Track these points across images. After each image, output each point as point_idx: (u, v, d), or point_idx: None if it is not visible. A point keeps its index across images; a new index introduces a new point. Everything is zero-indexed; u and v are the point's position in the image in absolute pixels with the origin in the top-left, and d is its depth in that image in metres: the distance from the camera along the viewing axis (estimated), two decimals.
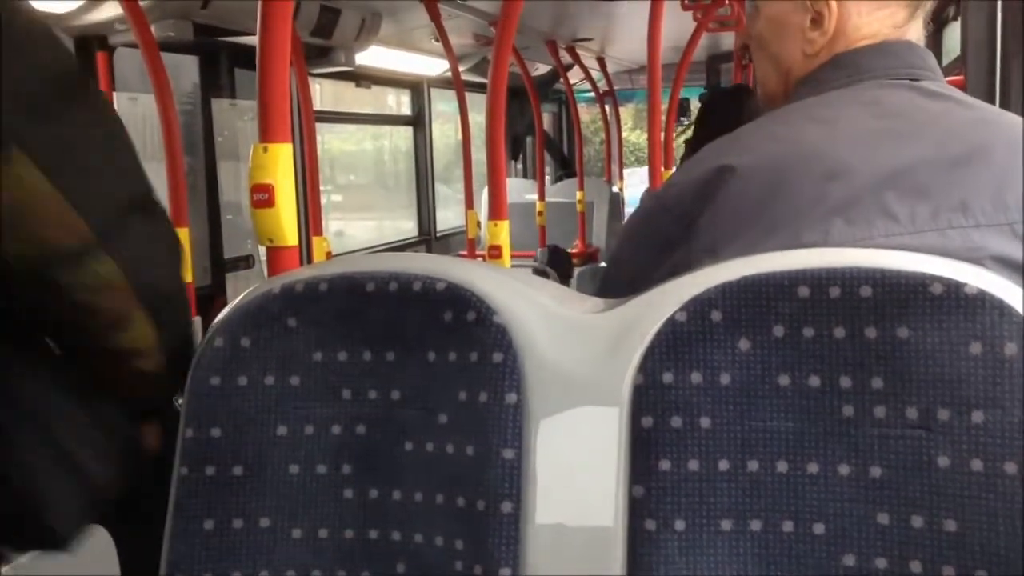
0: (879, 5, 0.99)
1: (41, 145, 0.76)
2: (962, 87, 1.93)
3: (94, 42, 2.58)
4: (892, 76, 0.97)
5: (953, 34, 2.24)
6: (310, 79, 2.82)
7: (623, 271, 1.02)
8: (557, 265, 4.05)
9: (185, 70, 2.99)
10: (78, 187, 0.78)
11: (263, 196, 1.06)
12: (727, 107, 2.70)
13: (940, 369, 0.67)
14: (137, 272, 0.83)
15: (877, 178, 0.86)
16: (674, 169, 2.54)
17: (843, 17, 0.99)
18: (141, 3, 1.93)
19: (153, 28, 2.06)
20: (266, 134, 1.06)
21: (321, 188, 3.27)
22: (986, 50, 1.95)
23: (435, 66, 4.16)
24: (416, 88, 4.68)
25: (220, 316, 0.84)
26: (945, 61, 2.38)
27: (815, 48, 1.01)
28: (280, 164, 1.06)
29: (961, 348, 0.66)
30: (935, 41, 1.00)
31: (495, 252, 1.71)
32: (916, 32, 1.01)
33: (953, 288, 0.67)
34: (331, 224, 4.36)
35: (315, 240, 2.90)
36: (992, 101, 1.92)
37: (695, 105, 4.99)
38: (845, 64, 0.99)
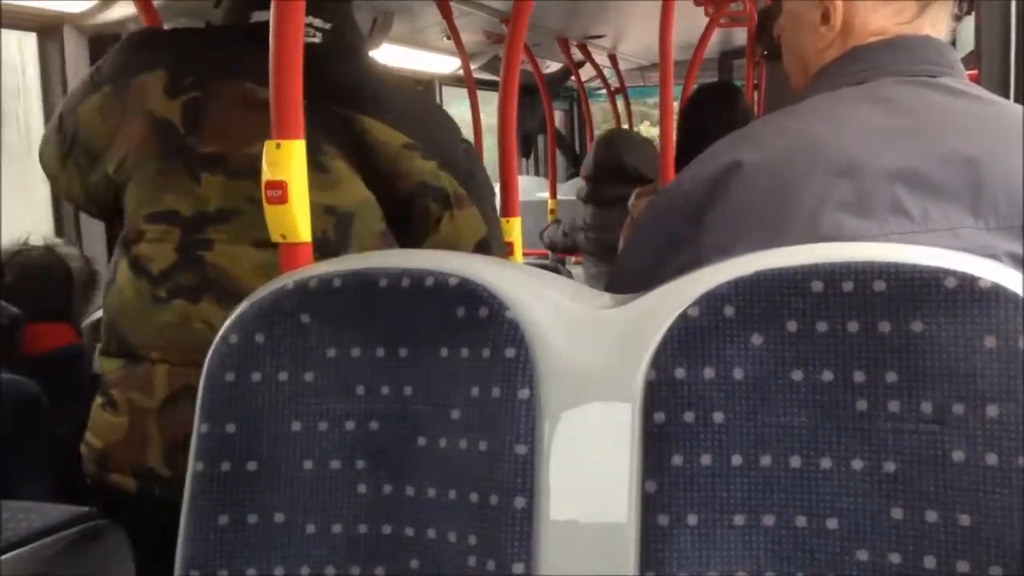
0: (885, 2, 0.99)
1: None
2: (975, 81, 1.92)
3: (108, 40, 2.59)
4: (907, 72, 0.97)
5: (967, 28, 2.22)
6: None
7: (633, 267, 1.02)
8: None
9: None
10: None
11: (276, 192, 1.06)
12: (713, 105, 2.69)
13: (954, 363, 0.66)
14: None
15: (889, 175, 0.86)
16: None
17: (849, 13, 0.99)
18: (155, 2, 1.94)
19: (166, 26, 2.06)
20: (280, 130, 1.06)
21: None
22: (1000, 44, 1.93)
23: (447, 64, 4.16)
24: (428, 86, 4.68)
25: (235, 312, 0.84)
26: (959, 55, 2.36)
27: (825, 42, 1.01)
28: (293, 160, 1.06)
29: (976, 342, 0.66)
30: (949, 35, 0.99)
31: (507, 249, 1.71)
32: (934, 26, 1.00)
33: (967, 282, 0.67)
34: None
35: None
36: (1006, 95, 1.91)
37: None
38: (860, 58, 0.99)
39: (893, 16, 0.99)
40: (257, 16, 1.42)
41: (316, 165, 1.30)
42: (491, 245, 1.51)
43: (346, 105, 1.39)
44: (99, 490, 1.43)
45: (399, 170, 1.41)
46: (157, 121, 1.38)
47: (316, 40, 1.39)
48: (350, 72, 1.44)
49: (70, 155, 1.46)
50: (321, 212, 1.31)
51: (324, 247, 1.29)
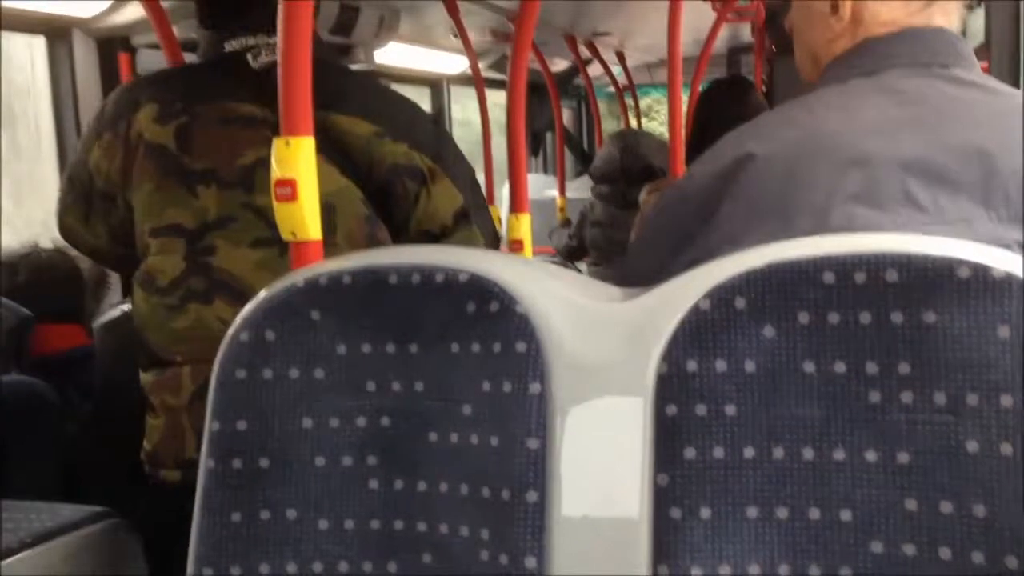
0: None
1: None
2: (986, 73, 1.91)
3: (117, 43, 2.60)
4: (918, 63, 0.96)
5: (977, 20, 2.22)
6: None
7: (645, 261, 1.02)
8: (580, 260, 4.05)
9: None
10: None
11: (286, 190, 1.06)
12: (727, 99, 2.68)
13: (968, 353, 0.66)
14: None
15: (900, 166, 0.85)
16: None
17: (858, 4, 0.99)
18: (163, 4, 1.94)
19: (175, 29, 2.07)
20: (288, 128, 1.06)
21: None
22: (1010, 35, 1.93)
23: (454, 63, 4.16)
24: (436, 85, 4.68)
25: (245, 310, 0.84)
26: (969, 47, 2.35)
27: (835, 34, 1.01)
28: (302, 158, 1.06)
29: (989, 332, 0.66)
30: (959, 27, 0.99)
31: (517, 246, 1.71)
32: (945, 16, 1.00)
33: (981, 271, 0.66)
34: None
35: None
36: (1017, 86, 1.90)
37: None
38: (871, 50, 0.99)
39: (902, 7, 0.99)
40: (228, 46, 1.58)
41: None
42: (471, 213, 1.64)
43: (322, 107, 1.41)
44: (157, 490, 1.55)
45: (372, 157, 1.55)
46: (151, 146, 1.53)
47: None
48: (322, 80, 1.47)
49: (91, 208, 1.60)
50: None
51: None
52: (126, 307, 2.24)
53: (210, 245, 1.51)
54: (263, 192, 1.41)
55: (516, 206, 1.73)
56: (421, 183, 1.58)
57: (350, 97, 1.58)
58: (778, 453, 0.70)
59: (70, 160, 1.71)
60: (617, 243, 3.48)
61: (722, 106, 2.64)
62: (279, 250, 1.42)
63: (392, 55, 3.37)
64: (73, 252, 2.23)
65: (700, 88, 3.29)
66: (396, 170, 1.57)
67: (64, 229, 1.68)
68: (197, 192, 1.51)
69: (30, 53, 2.70)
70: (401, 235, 1.60)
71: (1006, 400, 0.65)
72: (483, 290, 0.78)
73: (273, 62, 1.42)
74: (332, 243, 1.45)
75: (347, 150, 1.54)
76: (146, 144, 1.53)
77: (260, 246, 1.48)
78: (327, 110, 1.49)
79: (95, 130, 1.59)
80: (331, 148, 1.51)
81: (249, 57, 1.55)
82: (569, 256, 3.84)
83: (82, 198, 1.61)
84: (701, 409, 0.71)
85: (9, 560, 1.30)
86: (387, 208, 1.58)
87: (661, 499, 0.71)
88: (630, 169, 3.54)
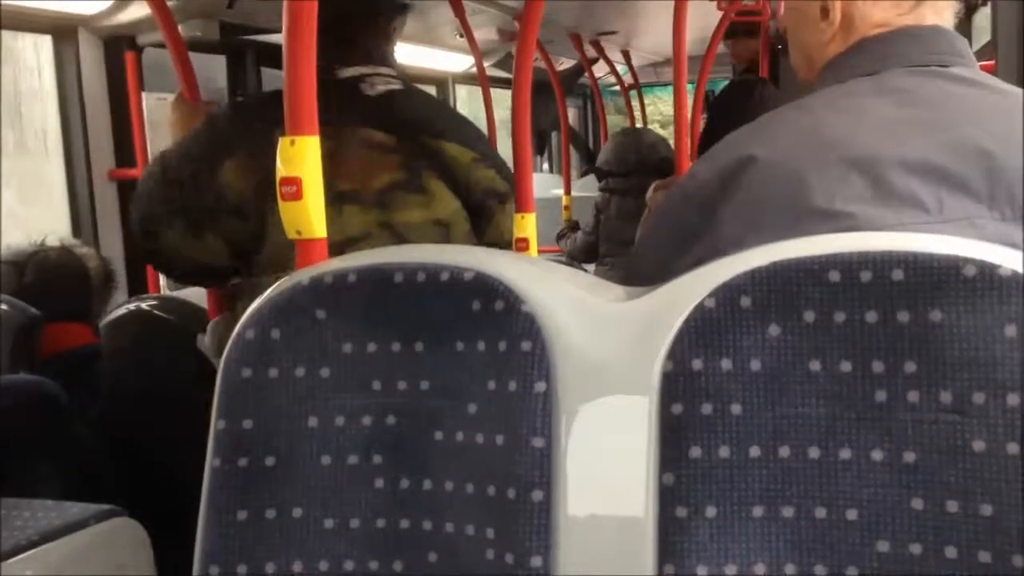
0: None
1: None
2: (992, 72, 1.91)
3: (123, 42, 2.61)
4: (918, 63, 0.96)
5: (983, 18, 2.21)
6: None
7: (649, 260, 1.02)
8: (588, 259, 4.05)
9: (212, 69, 3.01)
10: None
11: (291, 189, 1.06)
12: (739, 98, 2.69)
13: (974, 352, 0.66)
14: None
15: (903, 166, 0.85)
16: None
17: (848, 7, 0.99)
18: (168, 3, 1.95)
19: (180, 28, 2.07)
20: (294, 127, 1.06)
21: None
22: (1017, 34, 1.92)
23: (460, 62, 4.16)
24: (441, 84, 4.68)
25: (251, 308, 0.84)
26: (976, 46, 2.35)
27: (827, 37, 1.01)
28: (308, 157, 1.06)
29: (996, 331, 0.65)
30: (965, 26, 0.99)
31: (522, 244, 1.71)
32: (937, 14, 0.99)
33: (987, 270, 0.66)
34: None
35: None
36: (1023, 85, 1.89)
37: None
38: (869, 50, 0.99)
39: (892, 7, 0.98)
40: (343, 73, 1.72)
41: (419, 188, 1.71)
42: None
43: (428, 134, 1.74)
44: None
45: (470, 180, 1.78)
46: None
47: (397, 87, 1.73)
48: (423, 108, 1.81)
49: (214, 223, 1.65)
50: (430, 225, 1.72)
51: None
52: (132, 306, 2.25)
53: None
54: (396, 211, 1.67)
55: (521, 205, 1.73)
56: (500, 202, 1.82)
57: (452, 126, 1.82)
58: (784, 452, 0.70)
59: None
60: (620, 232, 3.51)
61: (737, 104, 2.65)
62: None
63: (397, 54, 3.37)
64: (80, 252, 2.24)
65: (707, 88, 3.30)
66: (488, 192, 1.80)
67: (157, 244, 1.68)
68: (343, 211, 1.65)
69: (36, 56, 2.70)
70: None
71: (1013, 399, 0.65)
72: (488, 289, 0.78)
73: (390, 91, 1.69)
74: None
75: (453, 175, 1.75)
76: None
77: None
78: (439, 139, 1.74)
79: (223, 147, 1.64)
80: (443, 173, 1.73)
81: (365, 85, 1.69)
82: (588, 252, 3.83)
83: (201, 213, 1.64)
84: (707, 408, 0.71)
85: (17, 558, 1.31)
86: (478, 226, 1.81)
87: (667, 498, 0.71)
88: (647, 160, 3.57)
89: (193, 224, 1.63)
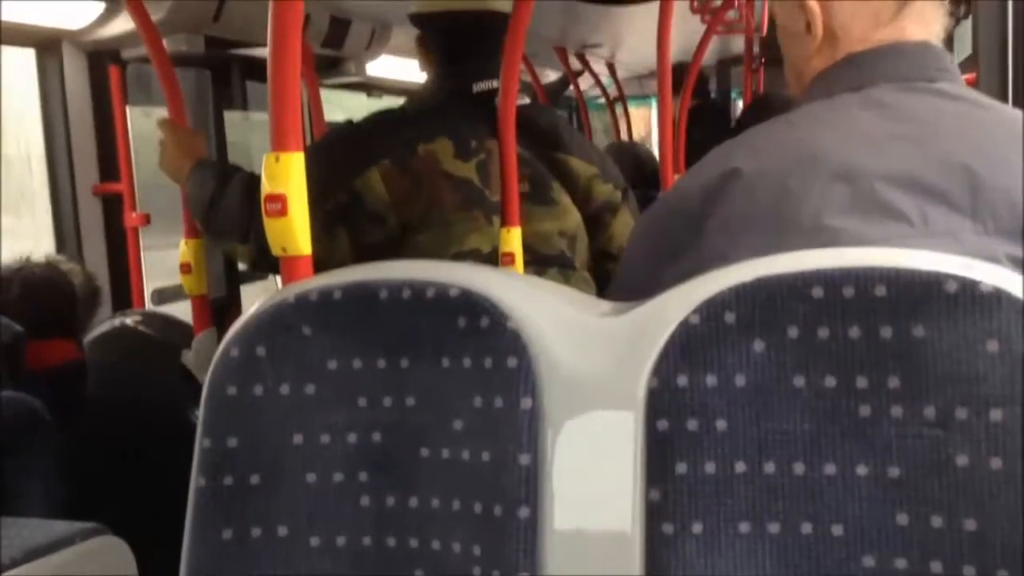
0: (860, 4, 0.99)
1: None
2: (974, 85, 1.93)
3: (106, 57, 2.60)
4: (904, 77, 0.97)
5: (965, 31, 2.23)
6: (321, 91, 2.83)
7: (634, 274, 1.02)
8: None
9: (197, 83, 3.00)
10: None
11: (276, 206, 1.06)
12: (714, 118, 2.72)
13: (957, 368, 0.66)
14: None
15: (887, 180, 0.86)
16: None
17: (828, 20, 1.00)
18: (153, 17, 1.94)
19: (165, 42, 2.07)
20: (278, 143, 1.06)
21: None
22: (998, 48, 1.94)
23: None
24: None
25: (235, 326, 0.84)
26: (957, 59, 2.37)
27: (811, 50, 1.02)
28: (293, 173, 1.06)
29: (978, 346, 0.66)
30: (946, 39, 0.99)
31: (508, 259, 1.71)
32: (921, 25, 0.99)
33: (969, 286, 0.66)
34: None
35: None
36: (1004, 99, 1.91)
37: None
38: (856, 65, 0.99)
39: (872, 19, 0.99)
40: (477, 88, 1.82)
41: (549, 200, 1.83)
42: None
43: (557, 149, 1.87)
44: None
45: (590, 194, 1.90)
46: (456, 180, 1.75)
47: (525, 100, 1.84)
48: (550, 123, 1.93)
49: (348, 224, 1.72)
50: (558, 236, 1.83)
51: (563, 261, 1.84)
52: (116, 322, 2.24)
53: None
54: (531, 222, 1.77)
55: (507, 219, 1.73)
56: (614, 215, 1.94)
57: (576, 140, 1.93)
58: (769, 468, 0.70)
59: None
60: None
61: (712, 124, 2.68)
62: (537, 271, 1.79)
63: (384, 67, 3.37)
64: (65, 267, 2.23)
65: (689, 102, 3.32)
66: (605, 206, 1.92)
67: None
68: (493, 221, 1.76)
69: (21, 77, 2.70)
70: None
71: (995, 414, 0.65)
72: (474, 305, 0.78)
73: (520, 105, 1.75)
74: (574, 269, 1.86)
75: (573, 188, 1.87)
76: (448, 177, 1.74)
77: (528, 267, 1.78)
78: (565, 152, 1.86)
79: (368, 154, 1.72)
80: (569, 187, 1.85)
81: (498, 99, 1.75)
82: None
83: (334, 213, 1.70)
84: (692, 424, 0.71)
85: None
86: (592, 235, 1.93)
87: (653, 514, 0.71)
88: (643, 168, 3.59)
89: (327, 219, 1.68)
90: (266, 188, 1.07)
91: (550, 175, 1.86)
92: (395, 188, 1.71)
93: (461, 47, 1.84)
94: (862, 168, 0.86)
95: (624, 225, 1.94)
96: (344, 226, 1.72)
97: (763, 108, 2.82)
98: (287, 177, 1.06)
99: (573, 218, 1.88)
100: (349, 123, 1.86)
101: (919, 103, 0.94)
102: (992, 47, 1.96)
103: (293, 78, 1.06)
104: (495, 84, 1.78)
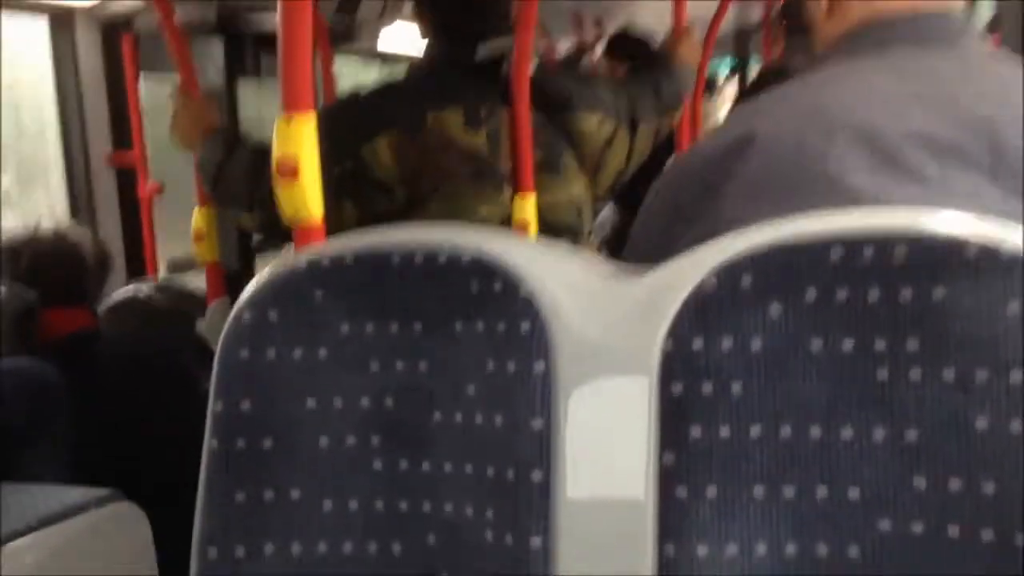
0: None
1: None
2: (997, 46, 1.90)
3: (121, 28, 2.59)
4: (924, 38, 0.95)
5: None
6: (335, 66, 2.82)
7: (648, 238, 1.02)
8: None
9: (210, 52, 2.99)
10: None
11: (288, 168, 1.05)
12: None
13: (977, 330, 0.65)
14: None
15: (907, 140, 0.84)
16: None
17: None
18: None
19: (177, 12, 2.06)
20: (290, 105, 1.05)
21: None
22: (1020, 8, 1.91)
23: None
24: None
25: (247, 290, 0.84)
26: (979, 21, 2.34)
27: (823, 12, 1.00)
28: (305, 135, 1.05)
29: (999, 308, 0.65)
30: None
31: (521, 226, 1.70)
32: None
33: (990, 248, 0.65)
34: None
35: None
36: None
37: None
38: (874, 29, 0.98)
39: None
40: (482, 51, 1.79)
41: (555, 168, 1.81)
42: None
43: (564, 110, 1.83)
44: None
45: (596, 141, 1.88)
46: (467, 152, 1.74)
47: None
48: (556, 81, 1.90)
49: (354, 192, 1.70)
50: (566, 204, 1.82)
51: (573, 230, 1.83)
52: (131, 291, 2.24)
53: None
54: (544, 193, 1.75)
55: (521, 186, 1.72)
56: (608, 146, 1.91)
57: (578, 90, 1.90)
58: (785, 432, 0.69)
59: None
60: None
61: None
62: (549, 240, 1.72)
63: (397, 33, 3.35)
64: (75, 235, 2.23)
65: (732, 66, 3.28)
66: (606, 142, 1.89)
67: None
68: (503, 191, 1.75)
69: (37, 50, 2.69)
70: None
71: (1016, 377, 0.64)
72: (487, 270, 0.77)
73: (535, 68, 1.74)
74: (583, 235, 1.86)
75: (582, 148, 1.87)
76: (458, 148, 1.73)
77: (540, 237, 1.77)
78: (572, 111, 1.83)
79: (375, 121, 1.70)
80: (574, 148, 1.84)
81: (507, 64, 1.75)
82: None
83: (340, 180, 1.67)
84: (707, 387, 0.70)
85: (16, 543, 1.30)
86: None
87: (667, 478, 0.71)
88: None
89: (332, 189, 1.68)
90: (277, 150, 1.06)
91: (561, 143, 1.85)
92: (403, 158, 1.69)
93: (457, 9, 1.82)
94: (881, 128, 0.85)
95: (615, 156, 1.94)
96: (350, 195, 1.70)
97: (766, 80, 2.78)
98: (299, 139, 1.05)
99: (579, 184, 1.88)
100: (356, 92, 1.84)
101: (937, 63, 0.92)
102: (1014, 8, 1.94)
103: (304, 36, 1.05)
104: (498, 49, 1.76)
